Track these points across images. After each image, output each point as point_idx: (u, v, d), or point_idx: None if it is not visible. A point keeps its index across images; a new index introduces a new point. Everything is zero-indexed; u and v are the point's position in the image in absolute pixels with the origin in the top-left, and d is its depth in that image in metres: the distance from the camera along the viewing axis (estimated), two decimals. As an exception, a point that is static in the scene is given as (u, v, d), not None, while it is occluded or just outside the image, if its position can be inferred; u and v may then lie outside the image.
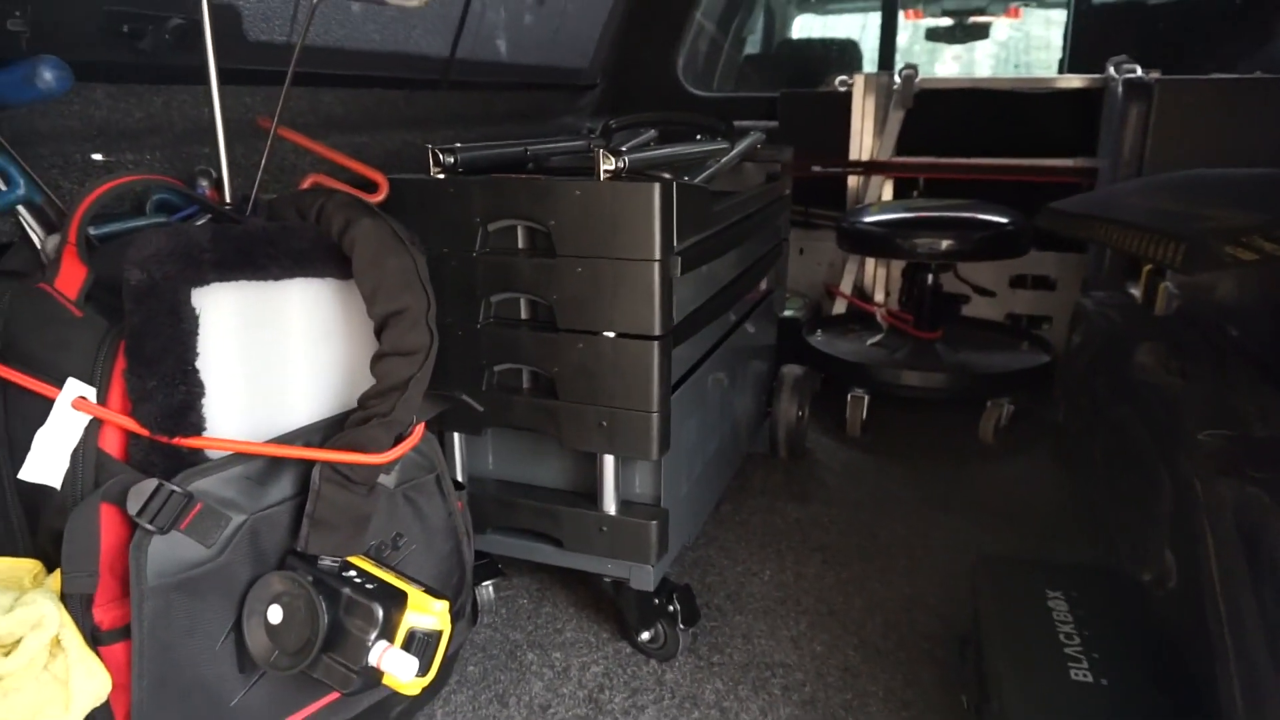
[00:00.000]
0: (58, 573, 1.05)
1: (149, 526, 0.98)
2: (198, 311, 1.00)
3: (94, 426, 1.02)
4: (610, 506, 1.50)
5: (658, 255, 1.34)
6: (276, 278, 1.06)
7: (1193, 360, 1.70)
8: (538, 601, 1.74)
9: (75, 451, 1.02)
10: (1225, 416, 1.39)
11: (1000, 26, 5.18)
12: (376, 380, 1.09)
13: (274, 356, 1.10)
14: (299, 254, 1.06)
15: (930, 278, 2.67)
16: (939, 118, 3.00)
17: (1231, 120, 2.43)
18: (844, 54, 4.16)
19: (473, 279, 1.46)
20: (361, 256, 1.06)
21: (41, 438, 1.02)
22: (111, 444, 1.03)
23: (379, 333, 1.09)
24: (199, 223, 1.15)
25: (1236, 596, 1.11)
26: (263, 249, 1.03)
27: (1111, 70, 2.70)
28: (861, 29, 5.35)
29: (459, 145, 1.49)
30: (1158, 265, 1.66)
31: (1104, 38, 3.11)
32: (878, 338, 2.83)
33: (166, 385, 0.99)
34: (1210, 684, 1.16)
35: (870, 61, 4.18)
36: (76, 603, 1.03)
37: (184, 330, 0.99)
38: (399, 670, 1.04)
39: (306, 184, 1.38)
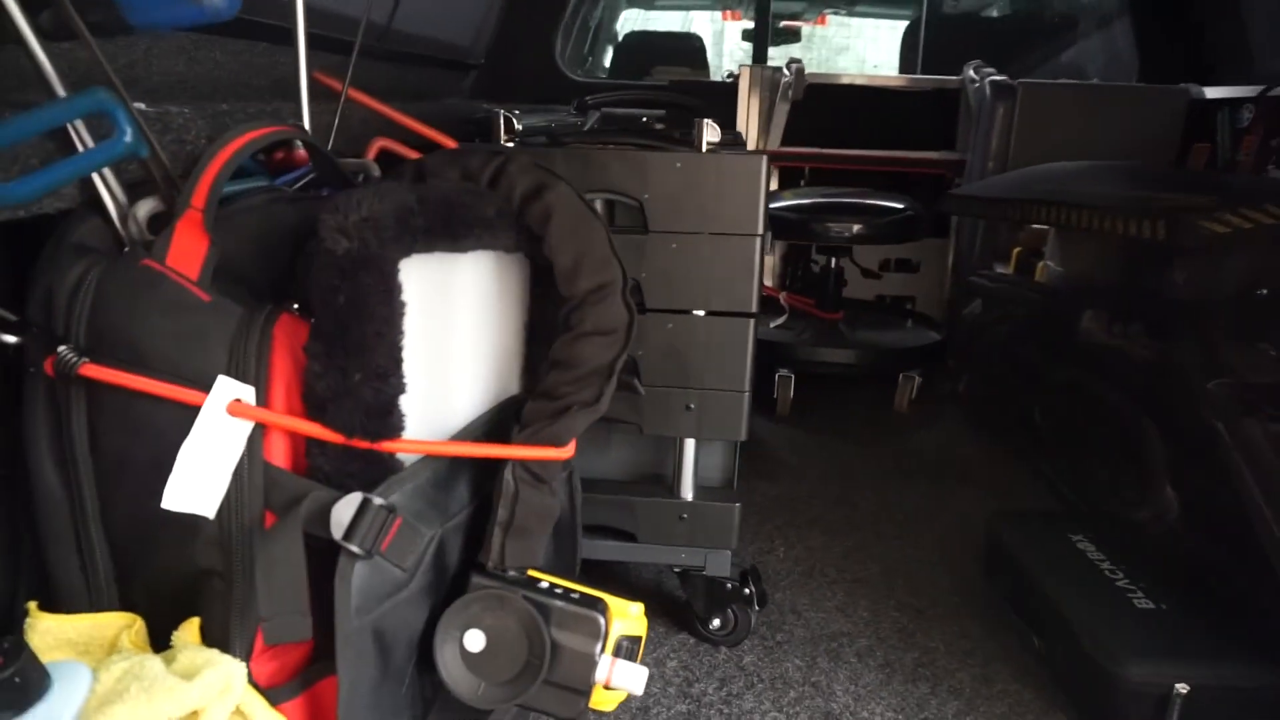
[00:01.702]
0: (193, 622, 0.84)
1: (355, 550, 0.81)
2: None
3: (255, 436, 0.82)
4: (688, 493, 1.45)
5: (760, 230, 1.31)
6: (465, 250, 0.91)
7: (1117, 324, 1.94)
8: (574, 604, 1.63)
9: (237, 468, 0.82)
10: (1209, 369, 1.59)
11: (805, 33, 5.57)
12: (569, 364, 0.97)
13: (444, 342, 0.95)
14: (487, 223, 0.92)
15: (834, 261, 2.81)
16: (816, 112, 3.16)
17: (1079, 119, 2.79)
18: (682, 46, 4.24)
19: (543, 258, 1.33)
20: (560, 226, 0.94)
21: (187, 456, 0.81)
22: (279, 454, 0.84)
23: (572, 311, 0.97)
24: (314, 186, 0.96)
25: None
26: (459, 216, 0.88)
27: (970, 73, 2.99)
28: (683, 24, 5.52)
29: (519, 111, 1.36)
30: (1127, 240, 1.86)
31: (943, 45, 3.45)
32: (781, 320, 2.93)
33: (375, 378, 0.82)
34: (1255, 597, 1.34)
35: (710, 55, 4.31)
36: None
37: (396, 311, 0.82)
38: (630, 683, 0.94)
39: (374, 149, 1.19)
